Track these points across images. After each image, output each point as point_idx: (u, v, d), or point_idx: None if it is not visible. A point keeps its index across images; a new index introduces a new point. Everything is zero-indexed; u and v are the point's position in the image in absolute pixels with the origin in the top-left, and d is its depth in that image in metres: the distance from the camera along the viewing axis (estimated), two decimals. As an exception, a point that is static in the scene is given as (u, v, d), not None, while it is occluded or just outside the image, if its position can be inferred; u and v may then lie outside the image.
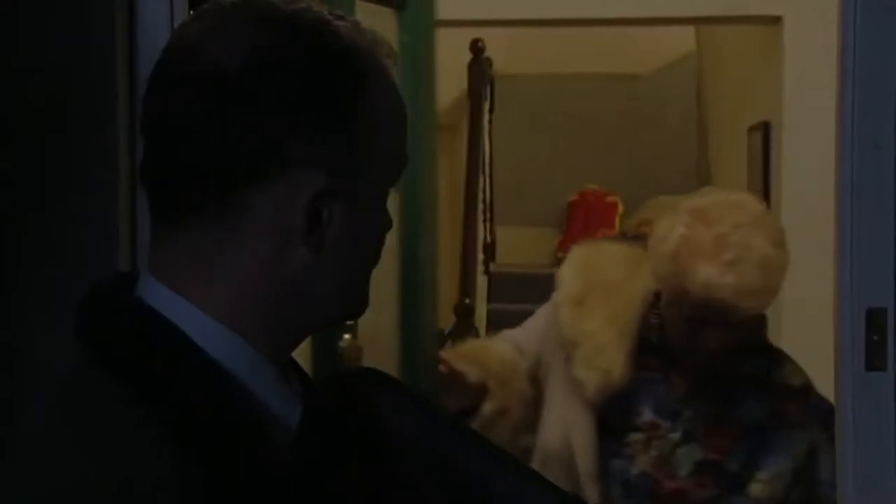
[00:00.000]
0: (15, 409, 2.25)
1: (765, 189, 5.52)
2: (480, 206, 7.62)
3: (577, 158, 9.26)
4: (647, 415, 2.81)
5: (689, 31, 8.09)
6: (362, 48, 1.21)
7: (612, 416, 2.81)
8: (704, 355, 2.80)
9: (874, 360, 2.34)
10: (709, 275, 2.70)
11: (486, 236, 7.70)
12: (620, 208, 9.26)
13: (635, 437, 2.81)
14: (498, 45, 8.26)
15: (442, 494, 1.32)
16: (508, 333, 3.09)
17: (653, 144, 9.43)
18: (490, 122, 8.14)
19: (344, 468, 1.26)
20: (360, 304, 1.30)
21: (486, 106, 8.04)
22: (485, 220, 7.69)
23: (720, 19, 6.20)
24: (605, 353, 2.81)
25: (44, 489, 1.10)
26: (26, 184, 2.34)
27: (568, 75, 9.35)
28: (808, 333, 4.69)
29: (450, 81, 8.71)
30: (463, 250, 7.42)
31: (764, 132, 5.53)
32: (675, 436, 2.81)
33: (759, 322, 2.91)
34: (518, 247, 8.82)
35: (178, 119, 1.19)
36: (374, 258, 1.29)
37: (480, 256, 7.56)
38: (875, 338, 2.34)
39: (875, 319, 2.34)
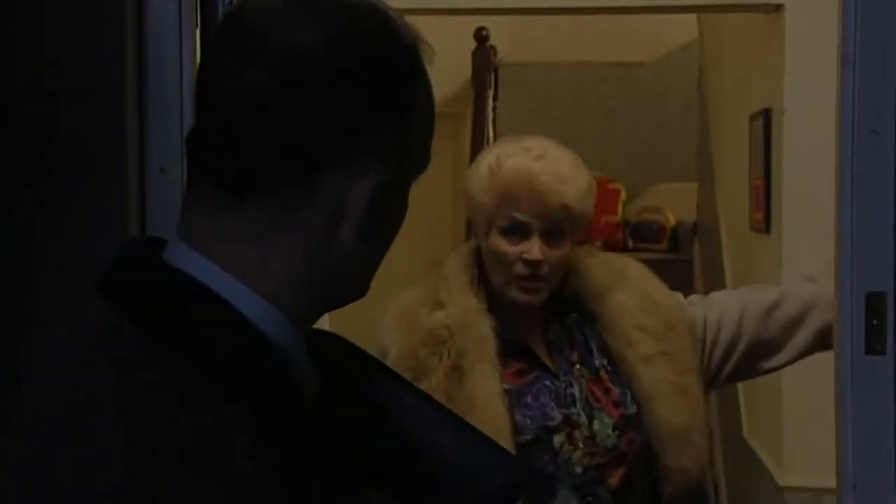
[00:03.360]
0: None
1: (766, 175, 5.54)
2: (484, 193, 7.63)
3: (580, 146, 9.23)
4: (555, 415, 2.74)
5: (691, 19, 8.10)
6: (418, 46, 1.25)
7: (532, 434, 2.72)
8: (524, 288, 2.75)
9: (874, 343, 2.37)
10: (519, 162, 2.78)
11: (489, 223, 7.71)
12: (623, 195, 9.28)
13: (558, 438, 2.72)
14: (502, 34, 8.28)
15: (395, 460, 1.33)
16: None
17: (655, 132, 9.44)
18: (494, 109, 8.15)
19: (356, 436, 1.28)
20: (365, 289, 1.32)
21: (490, 94, 8.06)
22: (488, 207, 7.70)
23: (722, 7, 6.21)
24: None
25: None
26: (35, 181, 2.36)
27: (571, 63, 9.37)
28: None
29: (454, 69, 8.74)
30: (467, 235, 7.45)
31: (765, 119, 5.54)
32: (582, 418, 2.74)
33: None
34: (521, 234, 8.81)
35: (254, 95, 1.17)
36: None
37: (484, 243, 7.57)
38: (875, 322, 2.36)
39: (875, 303, 2.36)
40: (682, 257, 8.60)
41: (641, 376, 2.76)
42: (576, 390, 2.77)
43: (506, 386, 2.74)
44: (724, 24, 6.84)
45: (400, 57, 1.22)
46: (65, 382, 1.15)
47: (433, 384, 2.71)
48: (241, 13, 1.21)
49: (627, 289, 2.85)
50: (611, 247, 9.15)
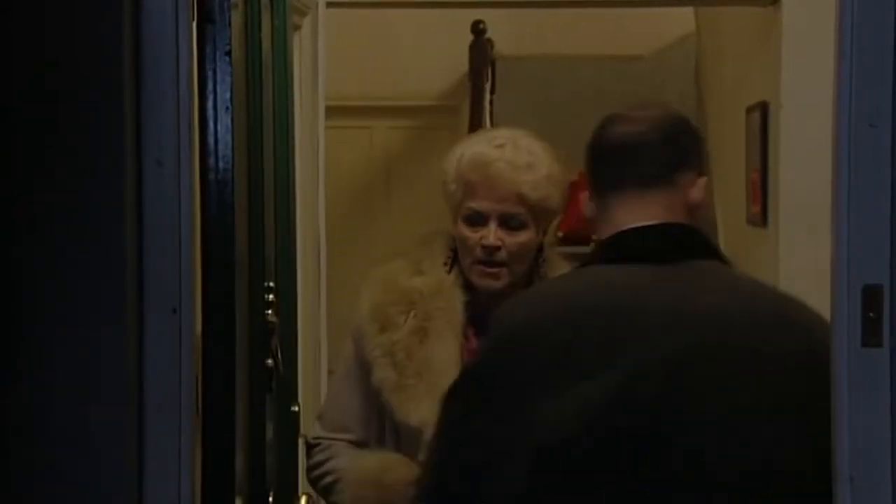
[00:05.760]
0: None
1: (763, 168, 5.55)
2: (481, 186, 7.64)
3: (578, 138, 9.23)
4: None
5: (689, 12, 8.10)
6: None
7: None
8: (491, 273, 2.84)
9: (870, 336, 2.37)
10: (477, 150, 2.92)
11: (486, 216, 7.71)
12: (620, 189, 9.27)
13: None
14: (499, 27, 8.28)
15: None
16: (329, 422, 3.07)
17: (652, 125, 9.43)
18: (491, 103, 8.16)
19: None
20: None
21: (488, 87, 8.06)
22: (486, 201, 7.71)
23: (719, 0, 6.21)
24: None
25: None
26: (33, 176, 2.36)
27: (568, 57, 9.35)
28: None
29: (451, 63, 8.73)
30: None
31: (762, 112, 5.55)
32: None
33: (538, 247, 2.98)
34: (518, 227, 8.79)
35: (644, 138, 2.52)
36: None
37: (481, 236, 7.56)
38: (871, 314, 2.36)
39: (871, 296, 2.36)
40: (679, 250, 8.59)
41: None
42: None
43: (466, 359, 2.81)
44: (722, 18, 6.85)
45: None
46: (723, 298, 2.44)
47: (395, 339, 2.85)
48: (634, 116, 2.60)
49: None
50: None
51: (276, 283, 3.54)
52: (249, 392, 3.13)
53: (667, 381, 2.28)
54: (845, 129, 2.38)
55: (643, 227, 2.42)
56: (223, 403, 2.60)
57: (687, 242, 2.44)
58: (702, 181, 2.50)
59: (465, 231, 2.88)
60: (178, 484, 2.39)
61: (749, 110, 5.83)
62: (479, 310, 2.89)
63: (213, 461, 2.59)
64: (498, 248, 2.86)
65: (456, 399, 2.33)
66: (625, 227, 2.43)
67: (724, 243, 6.81)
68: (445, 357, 2.82)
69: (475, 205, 2.87)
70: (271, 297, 3.43)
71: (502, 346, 2.32)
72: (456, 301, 2.88)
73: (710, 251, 2.41)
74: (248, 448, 3.10)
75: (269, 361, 3.42)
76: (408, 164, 9.03)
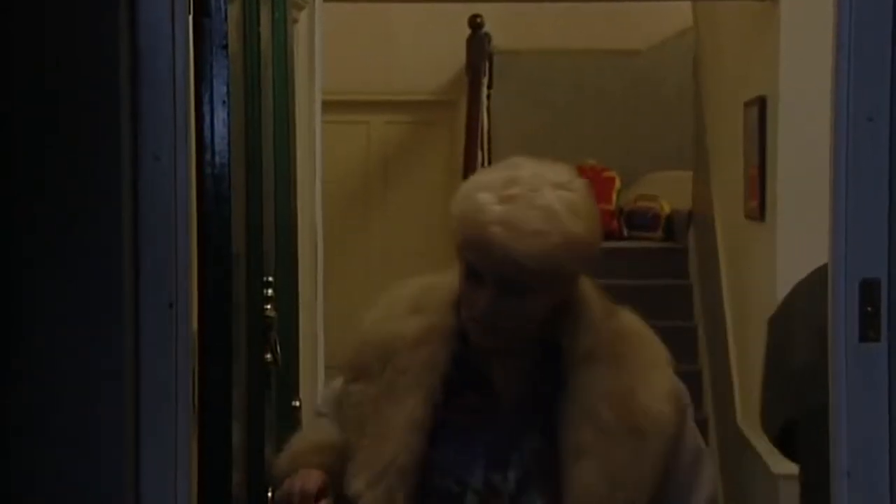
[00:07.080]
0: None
1: (761, 162, 5.55)
2: (479, 181, 7.63)
3: (575, 133, 9.27)
4: (478, 473, 2.41)
5: (687, 6, 8.10)
6: None
7: (445, 480, 2.41)
8: (488, 332, 2.40)
9: (868, 330, 2.37)
10: (481, 200, 2.34)
11: (484, 211, 7.71)
12: (618, 183, 9.28)
13: (472, 498, 2.39)
14: (496, 21, 8.28)
15: None
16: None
17: (650, 120, 9.44)
18: (489, 97, 8.15)
19: None
20: None
21: (485, 81, 8.06)
22: (483, 195, 7.70)
23: (717, -6, 6.21)
24: None
25: None
26: (31, 171, 2.36)
27: (566, 51, 9.36)
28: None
29: (448, 57, 8.74)
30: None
31: (760, 106, 5.55)
32: (511, 486, 2.40)
33: (549, 311, 2.43)
34: (516, 222, 8.79)
35: None
36: None
37: (479, 231, 7.55)
38: (869, 309, 2.36)
39: (869, 290, 2.36)
40: (677, 245, 8.61)
41: (563, 472, 2.38)
42: (516, 456, 2.42)
43: (451, 417, 2.44)
44: (720, 12, 6.84)
45: None
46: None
47: (369, 392, 2.48)
48: None
49: (612, 367, 2.42)
50: (606, 235, 9.16)
51: (275, 277, 3.53)
52: (248, 387, 3.13)
53: None
54: (843, 124, 2.38)
55: None
56: (220, 398, 2.60)
57: None
58: None
59: (464, 283, 2.42)
60: (174, 479, 2.38)
61: (747, 105, 5.83)
62: (472, 363, 2.46)
63: (210, 456, 2.59)
64: (492, 314, 2.38)
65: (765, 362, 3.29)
66: None
67: (722, 238, 6.81)
68: (401, 422, 2.40)
69: (472, 259, 2.38)
70: (270, 291, 3.43)
71: (780, 322, 3.22)
72: (440, 353, 2.45)
73: None
74: (247, 443, 3.10)
75: (268, 356, 3.41)
76: (405, 158, 9.03)
